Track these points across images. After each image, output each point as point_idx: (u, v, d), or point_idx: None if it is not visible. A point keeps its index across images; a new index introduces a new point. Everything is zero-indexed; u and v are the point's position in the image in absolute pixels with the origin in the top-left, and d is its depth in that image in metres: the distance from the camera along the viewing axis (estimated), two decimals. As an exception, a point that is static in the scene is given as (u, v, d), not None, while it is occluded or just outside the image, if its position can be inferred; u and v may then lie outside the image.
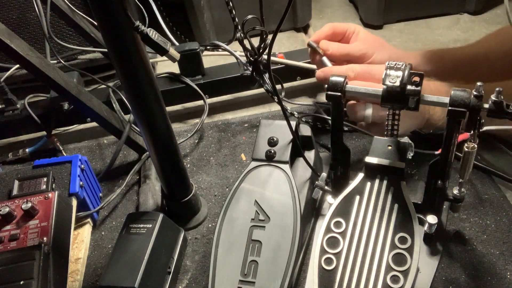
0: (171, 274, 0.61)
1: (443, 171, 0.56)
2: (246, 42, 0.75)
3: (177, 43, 0.97)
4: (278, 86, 0.90)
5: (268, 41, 0.67)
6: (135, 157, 0.86)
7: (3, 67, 0.98)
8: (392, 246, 0.51)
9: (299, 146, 0.63)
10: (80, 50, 1.02)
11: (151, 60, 0.80)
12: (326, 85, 0.57)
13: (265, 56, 0.78)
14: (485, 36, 0.80)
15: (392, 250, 0.51)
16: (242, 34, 0.69)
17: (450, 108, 0.48)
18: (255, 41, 0.69)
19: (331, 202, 0.56)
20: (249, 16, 0.63)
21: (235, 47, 0.90)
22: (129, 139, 0.81)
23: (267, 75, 0.80)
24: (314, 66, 0.92)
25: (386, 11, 1.18)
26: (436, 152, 0.65)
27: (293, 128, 0.62)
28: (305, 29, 1.27)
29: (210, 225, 0.71)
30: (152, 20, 0.91)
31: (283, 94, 0.90)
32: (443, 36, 1.13)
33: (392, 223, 0.52)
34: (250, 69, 0.81)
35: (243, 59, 0.86)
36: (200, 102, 0.93)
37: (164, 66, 1.05)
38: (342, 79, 0.54)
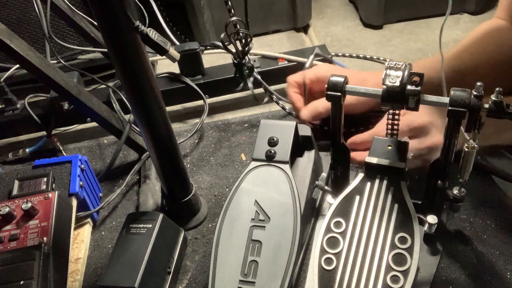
0: (171, 274, 0.61)
1: (443, 171, 0.56)
2: (234, 44, 0.74)
3: (177, 43, 0.97)
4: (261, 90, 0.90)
5: (252, 45, 0.66)
6: (135, 157, 0.86)
7: (3, 67, 0.98)
8: (392, 246, 0.51)
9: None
10: (80, 50, 1.02)
11: (150, 59, 0.80)
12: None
13: (250, 57, 0.78)
14: (468, 46, 0.75)
15: (392, 250, 0.51)
16: (230, 36, 0.68)
17: (450, 108, 0.48)
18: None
19: (331, 202, 0.56)
20: (233, 18, 0.63)
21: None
22: (129, 139, 0.81)
23: (251, 78, 0.80)
24: (304, 60, 0.92)
25: (386, 11, 1.18)
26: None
27: (293, 129, 0.62)
28: (305, 29, 1.27)
29: (210, 225, 0.71)
30: (153, 20, 0.91)
31: (266, 99, 0.89)
32: (443, 36, 1.13)
33: (392, 223, 0.52)
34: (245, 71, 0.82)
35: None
36: (200, 102, 0.93)
37: (164, 66, 1.05)
38: (342, 79, 0.54)
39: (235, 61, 0.73)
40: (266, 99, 0.83)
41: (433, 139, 0.63)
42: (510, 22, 0.76)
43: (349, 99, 0.56)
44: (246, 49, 0.69)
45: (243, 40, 0.69)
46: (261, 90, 0.88)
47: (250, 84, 0.78)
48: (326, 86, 0.54)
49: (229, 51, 0.71)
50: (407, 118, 0.63)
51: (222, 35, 0.69)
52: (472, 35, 0.76)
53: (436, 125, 0.63)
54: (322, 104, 0.72)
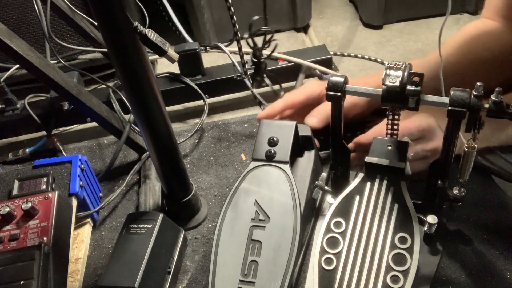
0: (171, 274, 0.61)
1: (443, 171, 0.56)
2: (244, 42, 0.75)
3: (191, 40, 0.97)
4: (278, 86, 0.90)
5: (274, 41, 0.67)
6: (135, 157, 0.86)
7: (3, 67, 0.98)
8: (392, 246, 0.51)
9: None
10: (80, 50, 1.02)
11: (150, 58, 0.80)
12: None
13: (248, 58, 0.78)
14: (457, 46, 0.75)
15: (392, 250, 0.51)
16: (253, 34, 0.68)
17: (450, 108, 0.48)
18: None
19: (331, 202, 0.56)
20: (256, 17, 0.63)
21: (235, 48, 0.90)
22: (129, 139, 0.81)
23: (264, 75, 0.80)
24: (318, 66, 0.93)
25: (386, 11, 1.18)
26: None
27: (293, 129, 0.62)
28: (305, 29, 1.27)
29: (210, 225, 0.71)
30: (164, 20, 0.91)
31: (282, 93, 0.90)
32: (443, 36, 1.13)
33: (392, 223, 0.52)
34: (244, 74, 0.82)
35: (243, 61, 0.86)
36: (200, 102, 0.93)
37: (164, 66, 1.05)
38: (341, 79, 0.54)
39: (254, 59, 0.73)
40: (282, 93, 0.84)
41: (439, 141, 0.62)
42: (499, 21, 0.76)
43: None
44: (267, 46, 0.69)
45: (264, 38, 0.69)
46: (261, 90, 0.88)
47: (268, 81, 0.79)
48: (326, 86, 0.54)
49: (252, 48, 0.71)
50: (415, 120, 0.63)
51: (245, 35, 0.70)
52: (459, 35, 0.76)
53: (440, 126, 0.63)
54: (325, 107, 0.71)
